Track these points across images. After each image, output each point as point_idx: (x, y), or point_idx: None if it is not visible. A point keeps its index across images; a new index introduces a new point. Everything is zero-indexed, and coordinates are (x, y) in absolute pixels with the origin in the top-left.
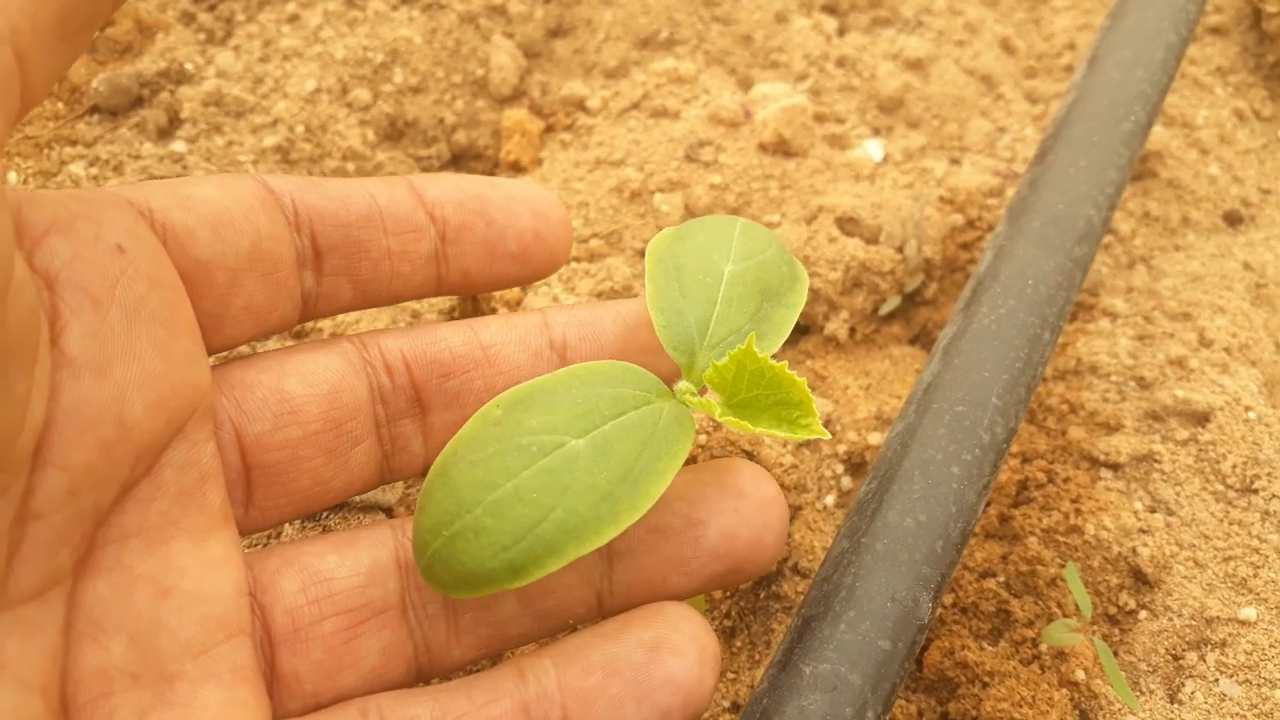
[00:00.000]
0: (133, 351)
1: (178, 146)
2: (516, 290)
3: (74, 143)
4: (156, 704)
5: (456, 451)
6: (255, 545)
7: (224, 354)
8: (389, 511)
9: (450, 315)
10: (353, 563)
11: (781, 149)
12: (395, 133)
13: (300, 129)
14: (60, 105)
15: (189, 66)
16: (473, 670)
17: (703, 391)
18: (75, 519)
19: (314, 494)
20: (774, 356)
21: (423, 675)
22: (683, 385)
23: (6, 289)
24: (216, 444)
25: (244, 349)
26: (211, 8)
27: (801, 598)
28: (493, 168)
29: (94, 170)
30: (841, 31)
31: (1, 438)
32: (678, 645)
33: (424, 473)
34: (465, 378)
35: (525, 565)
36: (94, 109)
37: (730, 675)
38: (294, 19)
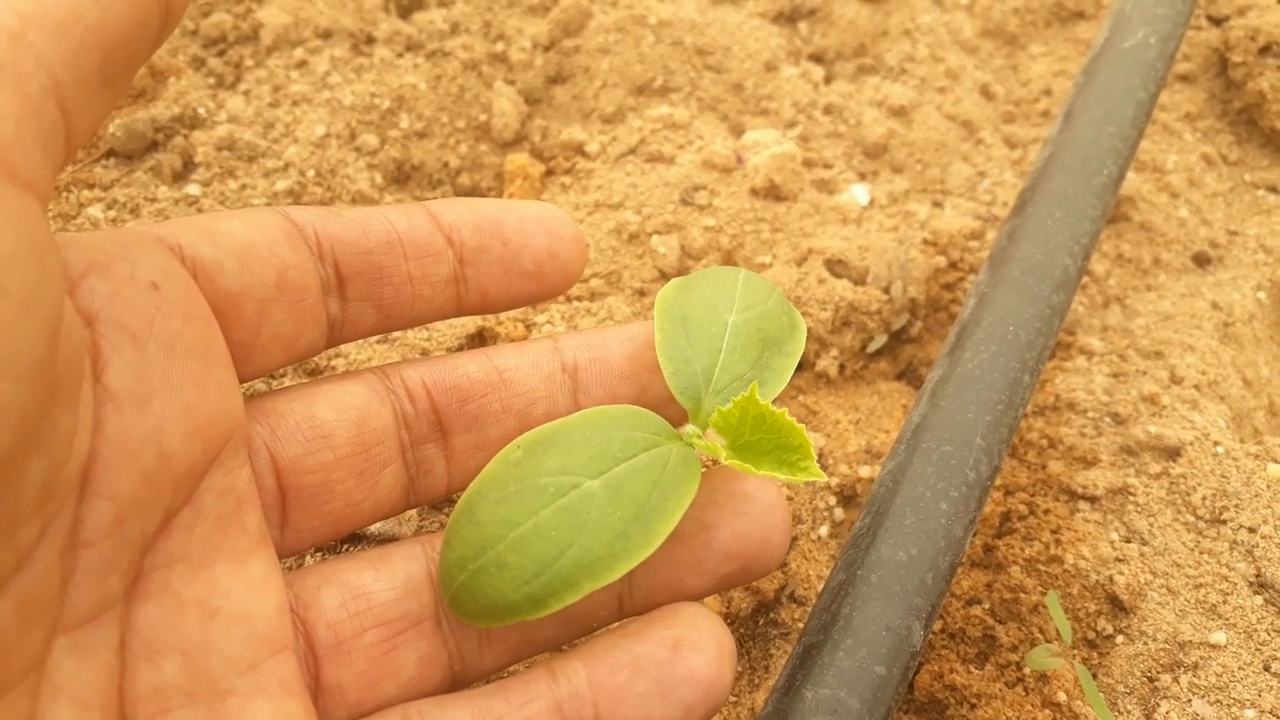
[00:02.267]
0: (170, 384)
1: (192, 189)
2: (521, 329)
3: (91, 186)
4: (211, 718)
5: (480, 490)
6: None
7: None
8: None
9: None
10: (388, 577)
11: (772, 193)
12: (402, 176)
13: (311, 173)
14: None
15: (201, 111)
16: (504, 675)
17: (707, 434)
18: (123, 546)
19: (346, 515)
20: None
21: (457, 683)
22: (689, 429)
23: (57, 331)
24: (253, 469)
25: (261, 386)
26: (221, 53)
27: (799, 625)
28: None
29: (111, 213)
30: (828, 80)
31: (48, 470)
32: (697, 642)
33: (448, 496)
34: (483, 401)
35: (544, 598)
36: (110, 153)
37: (731, 699)
38: (302, 65)
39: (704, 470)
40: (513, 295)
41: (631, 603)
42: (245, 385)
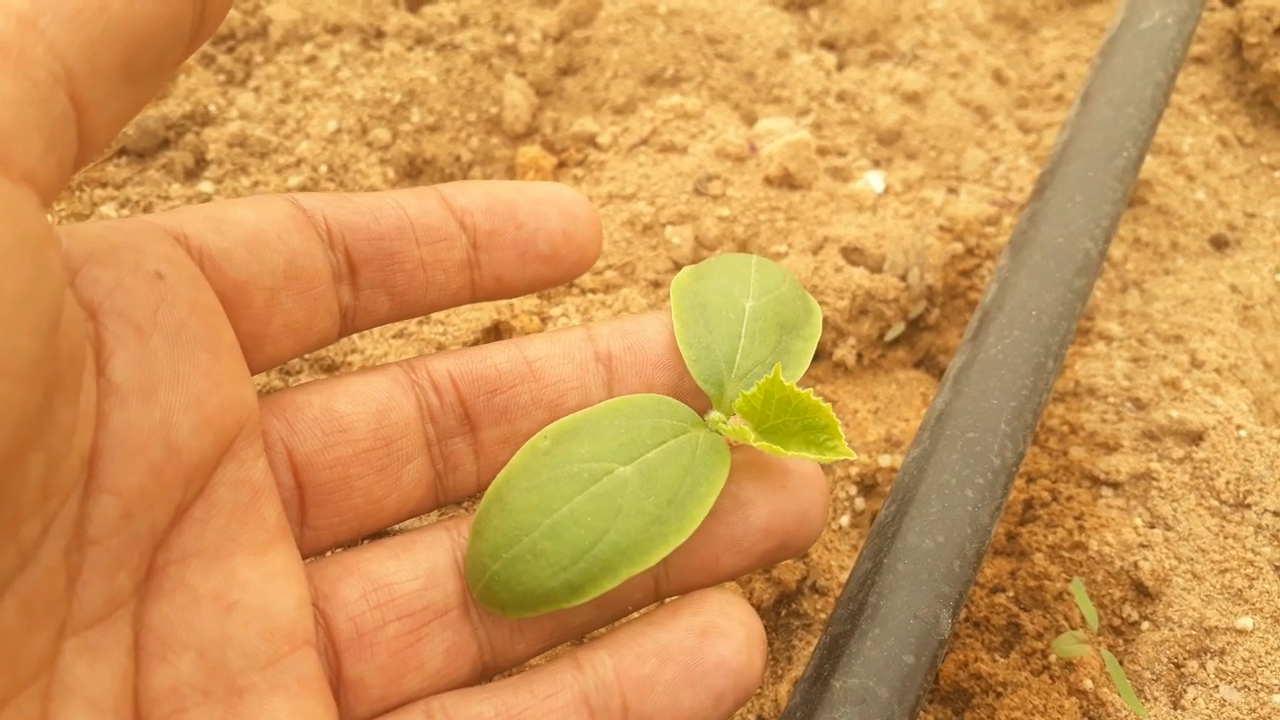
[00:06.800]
0: (176, 375)
1: (205, 187)
2: (537, 323)
3: (104, 185)
4: (228, 717)
5: (510, 480)
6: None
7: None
8: None
9: None
10: (411, 567)
11: (787, 182)
12: (414, 170)
13: (323, 168)
14: None
15: (212, 108)
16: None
17: (732, 419)
18: (132, 542)
19: (368, 513)
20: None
21: (488, 673)
22: (714, 415)
23: (57, 327)
24: (269, 463)
25: (279, 384)
26: (230, 50)
27: (821, 616)
28: None
29: (125, 211)
30: (841, 67)
31: (47, 465)
32: (726, 629)
33: (479, 492)
34: (512, 392)
35: (583, 584)
36: (122, 151)
37: (755, 691)
38: (312, 60)
39: (737, 447)
40: (528, 279)
41: (668, 584)
42: (257, 377)
